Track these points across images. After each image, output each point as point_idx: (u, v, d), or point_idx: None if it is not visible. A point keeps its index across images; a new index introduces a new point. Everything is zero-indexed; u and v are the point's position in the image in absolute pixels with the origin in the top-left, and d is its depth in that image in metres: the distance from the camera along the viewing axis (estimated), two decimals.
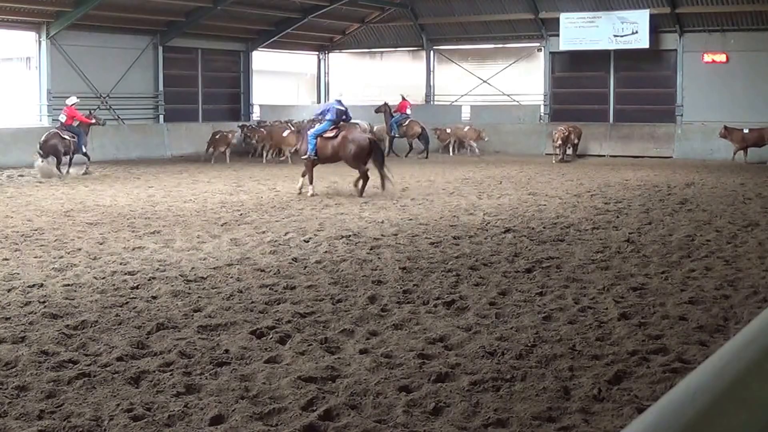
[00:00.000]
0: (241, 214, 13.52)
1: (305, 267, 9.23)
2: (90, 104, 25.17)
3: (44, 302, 7.42)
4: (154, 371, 5.58)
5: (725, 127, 25.93)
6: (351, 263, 9.41)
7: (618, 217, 13.49)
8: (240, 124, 28.80)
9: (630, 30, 28.92)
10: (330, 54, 36.23)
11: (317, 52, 36.11)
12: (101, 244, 10.64)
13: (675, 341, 6.39)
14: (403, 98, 29.42)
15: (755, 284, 8.40)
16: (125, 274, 8.74)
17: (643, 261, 9.74)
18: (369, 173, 16.09)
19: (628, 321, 7.00)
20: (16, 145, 22.22)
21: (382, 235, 11.45)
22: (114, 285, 8.20)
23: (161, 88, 28.82)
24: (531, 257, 9.89)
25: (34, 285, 8.12)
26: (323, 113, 16.57)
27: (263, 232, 11.63)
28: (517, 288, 8.25)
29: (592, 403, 5.11)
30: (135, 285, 8.21)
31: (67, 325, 6.67)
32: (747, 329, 1.47)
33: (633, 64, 30.01)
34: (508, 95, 32.45)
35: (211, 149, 25.48)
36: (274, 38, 32.17)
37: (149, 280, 8.45)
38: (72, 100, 21.01)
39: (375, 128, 29.87)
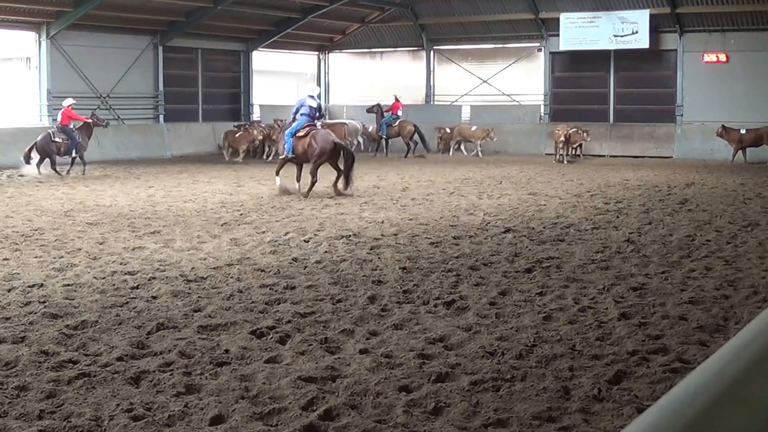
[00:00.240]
0: (241, 214, 13.52)
1: (305, 267, 9.23)
2: (90, 104, 25.20)
3: (44, 302, 7.41)
4: (154, 371, 5.58)
5: (723, 127, 25.94)
6: (351, 263, 9.41)
7: (618, 217, 13.49)
8: (236, 124, 28.87)
9: (630, 30, 28.93)
10: (330, 54, 36.24)
11: (317, 52, 36.11)
12: (101, 244, 10.64)
13: (675, 341, 6.39)
14: (396, 99, 29.42)
15: (755, 284, 8.40)
16: (125, 274, 8.74)
17: (643, 261, 9.74)
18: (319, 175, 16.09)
19: (628, 321, 7.00)
20: (16, 145, 22.20)
21: (382, 235, 11.45)
22: (114, 285, 8.20)
23: (161, 88, 28.82)
24: (531, 257, 9.89)
25: (34, 285, 8.12)
26: (297, 110, 16.48)
27: (263, 232, 11.63)
28: (517, 288, 8.25)
29: (592, 403, 5.11)
30: (135, 285, 8.21)
31: (67, 325, 6.67)
32: (747, 329, 1.47)
33: (633, 64, 30.02)
34: (508, 95, 32.46)
35: (229, 148, 25.65)
36: (274, 38, 32.17)
37: (149, 280, 8.45)
38: (68, 101, 21.07)
39: (370, 128, 29.88)
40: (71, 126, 20.87)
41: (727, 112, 27.36)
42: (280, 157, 16.88)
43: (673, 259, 9.87)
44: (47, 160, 20.17)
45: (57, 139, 20.32)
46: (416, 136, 28.23)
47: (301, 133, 16.13)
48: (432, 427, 4.74)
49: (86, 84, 26.20)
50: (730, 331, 6.65)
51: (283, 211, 14.02)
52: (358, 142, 29.31)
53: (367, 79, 34.93)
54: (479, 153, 28.38)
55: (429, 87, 34.18)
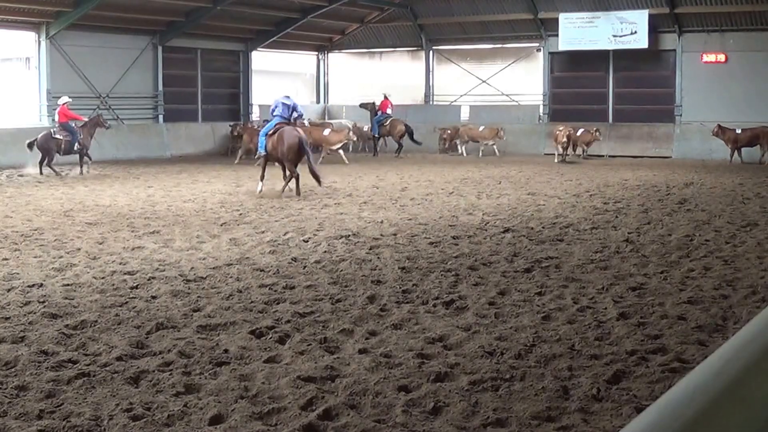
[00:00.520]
0: (240, 214, 13.52)
1: (304, 267, 9.24)
2: (89, 104, 25.20)
3: (44, 302, 7.42)
4: (154, 371, 5.58)
5: (719, 126, 25.95)
6: (350, 263, 9.41)
7: (617, 217, 13.50)
8: (231, 124, 28.87)
9: (629, 30, 28.94)
10: (329, 54, 36.24)
11: (316, 52, 36.11)
12: (101, 243, 10.64)
13: (674, 341, 6.39)
14: (385, 97, 29.42)
15: (754, 284, 8.41)
16: (125, 273, 8.74)
17: (642, 261, 9.74)
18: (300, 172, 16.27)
19: (627, 321, 7.00)
20: (16, 145, 22.20)
21: (381, 235, 11.46)
22: (113, 285, 8.20)
23: (161, 88, 28.82)
24: (530, 257, 9.89)
25: (33, 285, 8.12)
26: (272, 111, 16.96)
27: (262, 232, 11.64)
28: (516, 288, 8.25)
29: (591, 402, 5.11)
30: (134, 285, 8.21)
31: (67, 325, 6.67)
32: (746, 329, 1.48)
33: (632, 64, 30.03)
34: (507, 95, 32.46)
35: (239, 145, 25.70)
36: (274, 38, 32.17)
37: (149, 279, 8.46)
38: (63, 99, 21.13)
39: (365, 128, 29.85)
40: (71, 123, 20.91)
41: (726, 112, 27.37)
42: (256, 156, 17.39)
43: (672, 258, 9.87)
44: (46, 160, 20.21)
45: (58, 137, 20.39)
46: (406, 136, 28.21)
47: (271, 132, 16.55)
48: (431, 427, 4.75)
49: (86, 84, 26.20)
50: (729, 330, 6.65)
51: (282, 211, 14.03)
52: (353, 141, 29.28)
53: (367, 79, 34.92)
54: (496, 152, 28.15)
55: (428, 87, 34.18)
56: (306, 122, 25.28)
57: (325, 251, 10.19)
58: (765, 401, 1.26)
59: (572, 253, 10.22)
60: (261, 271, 8.96)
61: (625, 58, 29.95)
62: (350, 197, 16.00)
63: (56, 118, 21.09)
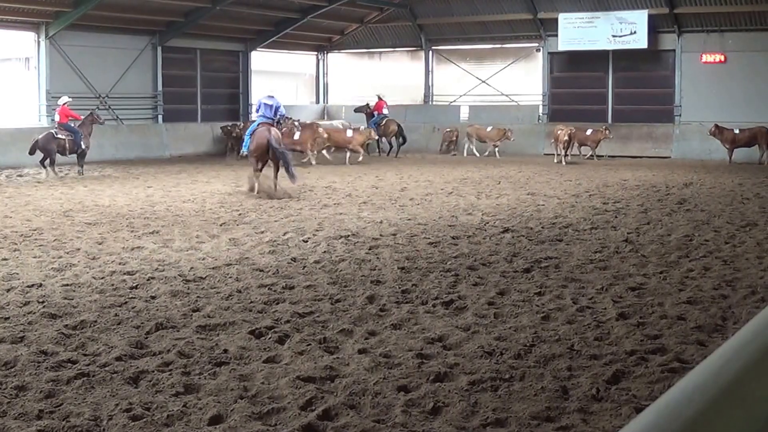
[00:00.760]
0: (239, 214, 13.52)
1: (304, 267, 9.24)
2: (89, 104, 25.17)
3: (43, 302, 7.42)
4: (153, 371, 5.58)
5: (716, 126, 25.92)
6: (350, 263, 9.41)
7: (616, 217, 13.50)
8: (223, 125, 28.83)
9: (628, 30, 28.94)
10: (329, 54, 36.23)
11: (316, 53, 36.10)
12: (100, 244, 10.64)
13: (673, 341, 6.39)
14: (380, 98, 29.39)
15: (753, 284, 8.41)
16: (124, 274, 8.74)
17: (641, 261, 9.74)
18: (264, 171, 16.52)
19: (627, 321, 7.01)
20: (15, 146, 22.21)
21: (380, 235, 11.46)
22: (113, 285, 8.20)
23: (160, 88, 28.80)
24: (529, 257, 9.90)
25: (33, 285, 8.12)
26: (257, 111, 17.23)
27: (262, 232, 11.64)
28: (515, 288, 8.25)
29: (590, 402, 5.12)
30: (134, 285, 8.21)
31: (66, 325, 6.67)
32: (745, 329, 1.48)
33: (631, 64, 30.03)
34: (506, 95, 32.46)
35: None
36: (273, 38, 32.16)
37: (148, 280, 8.46)
38: (63, 99, 21.11)
39: (362, 128, 29.82)
40: (71, 123, 20.90)
41: (725, 113, 27.37)
42: (241, 153, 18.03)
43: (672, 259, 9.87)
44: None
45: (60, 137, 20.33)
46: (399, 136, 28.19)
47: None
48: (430, 427, 4.75)
49: (85, 84, 26.18)
50: (729, 330, 6.66)
51: (281, 211, 14.02)
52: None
53: (366, 80, 34.90)
54: (497, 154, 27.83)
55: (428, 87, 34.17)
56: (296, 123, 25.24)
57: (324, 251, 10.19)
58: (765, 401, 1.26)
59: (572, 253, 10.22)
60: (260, 271, 8.96)
61: (624, 58, 29.95)
62: (349, 197, 16.00)
63: (56, 118, 21.05)
